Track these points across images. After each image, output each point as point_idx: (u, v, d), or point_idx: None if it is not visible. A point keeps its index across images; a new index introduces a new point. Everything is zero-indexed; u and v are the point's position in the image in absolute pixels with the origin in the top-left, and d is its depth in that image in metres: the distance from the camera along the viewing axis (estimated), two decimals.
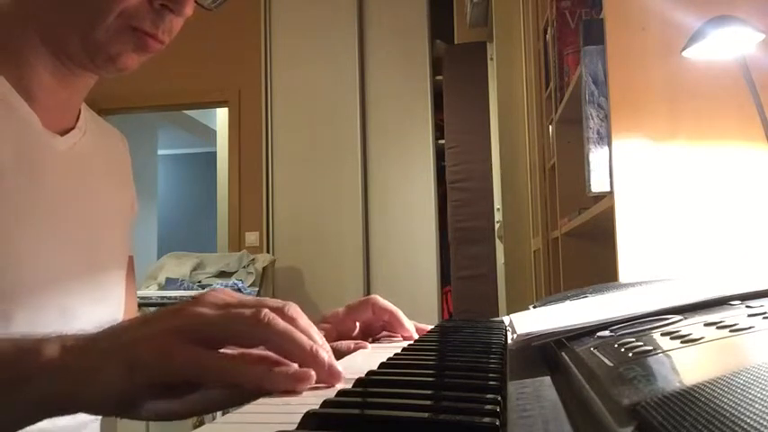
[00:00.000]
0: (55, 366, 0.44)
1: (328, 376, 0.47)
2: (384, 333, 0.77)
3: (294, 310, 0.49)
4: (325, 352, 0.48)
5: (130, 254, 0.87)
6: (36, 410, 0.45)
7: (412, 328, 0.75)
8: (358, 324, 0.74)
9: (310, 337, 0.49)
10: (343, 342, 0.68)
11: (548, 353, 0.54)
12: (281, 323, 0.46)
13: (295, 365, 0.46)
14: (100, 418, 0.72)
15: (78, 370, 0.44)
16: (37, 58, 0.68)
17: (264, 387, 0.44)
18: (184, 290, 3.60)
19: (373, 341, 0.76)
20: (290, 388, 0.44)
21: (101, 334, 0.47)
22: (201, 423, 0.38)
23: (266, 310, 0.46)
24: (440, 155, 4.14)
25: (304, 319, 0.50)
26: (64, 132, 0.73)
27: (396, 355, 0.55)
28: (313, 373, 0.45)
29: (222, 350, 0.49)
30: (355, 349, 0.67)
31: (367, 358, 0.61)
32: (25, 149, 0.67)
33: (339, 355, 0.64)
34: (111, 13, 0.64)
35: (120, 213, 0.83)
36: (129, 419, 0.52)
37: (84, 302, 0.71)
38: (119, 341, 0.45)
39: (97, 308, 0.74)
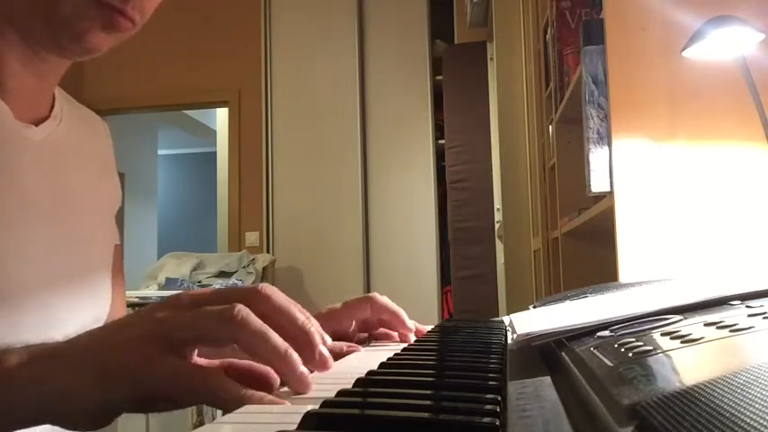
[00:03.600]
0: (22, 378, 0.42)
1: (297, 382, 0.44)
2: (382, 330, 0.76)
3: (268, 288, 0.47)
4: (313, 338, 0.46)
5: (117, 243, 0.84)
6: (5, 423, 0.43)
7: (413, 327, 0.74)
8: (354, 322, 0.73)
9: (289, 316, 0.47)
10: (336, 344, 0.68)
11: (548, 353, 0.54)
12: (254, 321, 0.44)
13: (277, 380, 0.45)
14: None
15: (47, 382, 0.42)
16: (6, 47, 0.65)
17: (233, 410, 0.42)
18: (184, 290, 3.59)
19: (370, 336, 0.76)
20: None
21: (70, 342, 0.44)
22: (201, 423, 0.38)
23: (240, 307, 0.44)
24: (440, 155, 4.15)
25: (280, 296, 0.48)
26: (38, 122, 0.70)
27: (396, 355, 0.55)
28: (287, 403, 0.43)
29: (204, 359, 0.47)
30: (348, 352, 0.66)
31: (364, 359, 0.61)
32: None
33: (333, 357, 0.63)
34: None
35: (103, 202, 0.80)
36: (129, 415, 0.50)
37: (68, 300, 0.69)
38: (89, 350, 0.43)
39: (81, 304, 0.71)
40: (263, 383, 0.47)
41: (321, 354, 0.47)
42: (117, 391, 0.41)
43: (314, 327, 0.48)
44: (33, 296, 0.65)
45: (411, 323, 0.74)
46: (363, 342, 0.74)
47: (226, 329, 0.44)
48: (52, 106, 0.73)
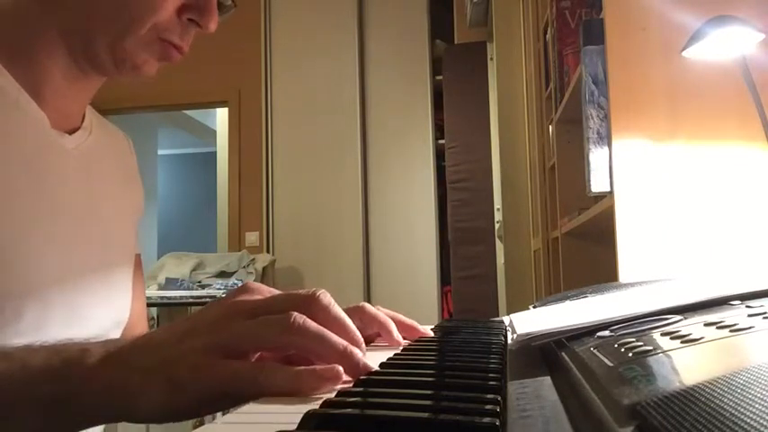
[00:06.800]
0: (99, 383, 0.45)
1: (359, 375, 0.46)
2: (379, 340, 0.76)
3: (325, 297, 0.50)
4: (359, 350, 0.48)
5: (137, 252, 0.88)
6: (81, 422, 0.46)
7: (401, 341, 0.74)
8: None
9: (345, 328, 0.49)
10: None
11: (548, 353, 0.54)
12: (311, 327, 0.47)
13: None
14: None
15: (121, 388, 0.45)
16: (51, 59, 0.69)
17: (295, 390, 0.44)
18: (184, 290, 3.59)
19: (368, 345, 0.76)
20: (319, 387, 0.44)
21: (140, 346, 0.48)
22: (201, 423, 0.38)
23: (296, 315, 0.47)
24: (440, 155, 4.15)
25: (335, 308, 0.50)
26: (71, 132, 0.74)
27: (396, 355, 0.55)
28: (340, 368, 0.45)
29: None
30: None
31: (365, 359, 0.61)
32: (35, 149, 0.68)
33: None
34: (144, 25, 0.66)
35: (127, 211, 0.84)
36: None
37: (93, 301, 0.72)
38: (158, 358, 0.46)
39: (105, 306, 0.75)
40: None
41: (365, 365, 0.48)
42: (184, 397, 0.44)
43: (362, 343, 0.50)
44: (59, 293, 0.67)
45: (398, 334, 0.73)
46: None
47: (285, 338, 0.47)
48: (83, 119, 0.77)
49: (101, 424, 0.48)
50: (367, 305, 0.72)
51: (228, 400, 0.46)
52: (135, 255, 0.87)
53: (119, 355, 0.47)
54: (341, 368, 0.45)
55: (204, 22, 0.69)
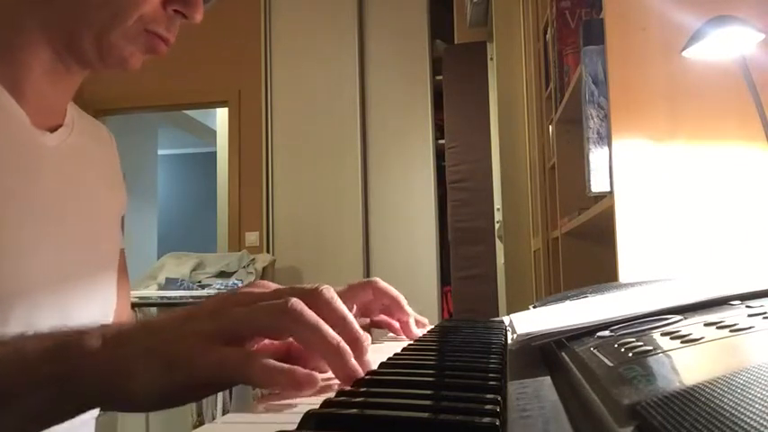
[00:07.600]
0: (98, 362, 0.45)
1: (345, 377, 0.46)
2: (382, 317, 0.78)
3: (328, 291, 0.50)
4: (362, 345, 0.48)
5: (122, 247, 0.87)
6: (78, 404, 0.46)
7: (411, 312, 0.76)
8: (355, 306, 0.75)
9: (345, 323, 0.49)
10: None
11: (548, 353, 0.54)
12: (308, 314, 0.46)
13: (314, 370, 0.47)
14: (95, 418, 0.73)
15: (120, 367, 0.45)
16: (31, 54, 0.68)
17: (269, 387, 0.45)
18: (184, 290, 3.59)
19: (371, 323, 0.77)
20: (293, 391, 0.44)
21: (141, 329, 0.48)
22: (201, 423, 0.38)
23: (294, 300, 0.46)
24: (440, 155, 4.14)
25: (337, 302, 0.50)
26: (52, 129, 0.73)
27: (396, 355, 0.55)
28: (317, 378, 0.45)
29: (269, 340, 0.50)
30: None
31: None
32: (16, 147, 0.66)
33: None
34: (130, 17, 0.66)
35: (109, 207, 0.83)
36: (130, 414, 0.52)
37: (81, 302, 0.71)
38: (158, 339, 0.46)
39: (93, 306, 0.74)
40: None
41: (365, 363, 0.48)
42: (178, 378, 0.44)
43: (365, 338, 0.50)
44: (48, 294, 0.67)
45: (410, 311, 0.76)
46: (364, 327, 0.75)
47: (280, 322, 0.46)
48: (64, 116, 0.76)
49: (99, 406, 0.48)
50: (379, 279, 0.75)
51: (216, 386, 0.46)
52: (119, 249, 0.85)
53: (118, 337, 0.46)
54: (318, 378, 0.45)
55: (190, 13, 0.69)
